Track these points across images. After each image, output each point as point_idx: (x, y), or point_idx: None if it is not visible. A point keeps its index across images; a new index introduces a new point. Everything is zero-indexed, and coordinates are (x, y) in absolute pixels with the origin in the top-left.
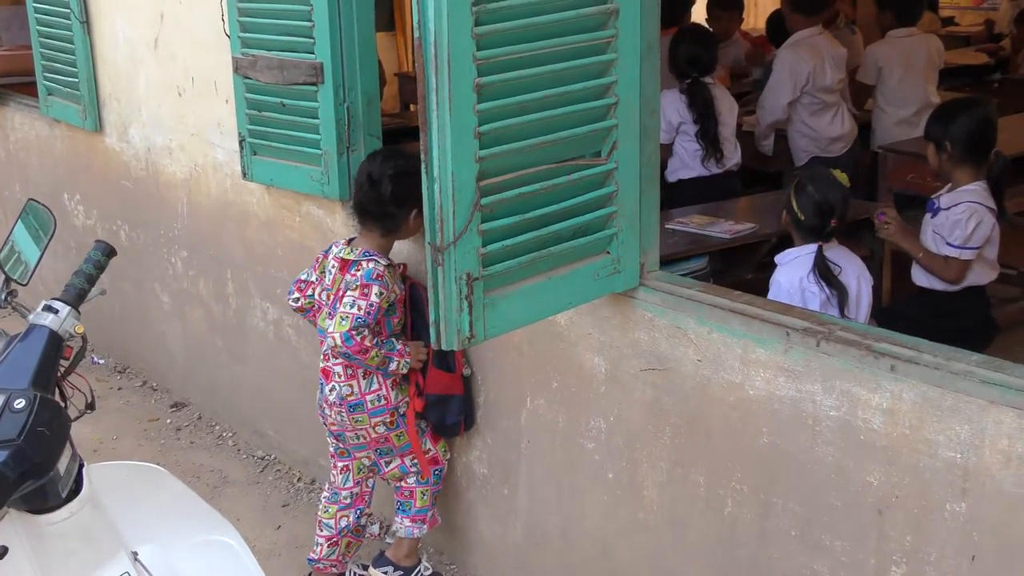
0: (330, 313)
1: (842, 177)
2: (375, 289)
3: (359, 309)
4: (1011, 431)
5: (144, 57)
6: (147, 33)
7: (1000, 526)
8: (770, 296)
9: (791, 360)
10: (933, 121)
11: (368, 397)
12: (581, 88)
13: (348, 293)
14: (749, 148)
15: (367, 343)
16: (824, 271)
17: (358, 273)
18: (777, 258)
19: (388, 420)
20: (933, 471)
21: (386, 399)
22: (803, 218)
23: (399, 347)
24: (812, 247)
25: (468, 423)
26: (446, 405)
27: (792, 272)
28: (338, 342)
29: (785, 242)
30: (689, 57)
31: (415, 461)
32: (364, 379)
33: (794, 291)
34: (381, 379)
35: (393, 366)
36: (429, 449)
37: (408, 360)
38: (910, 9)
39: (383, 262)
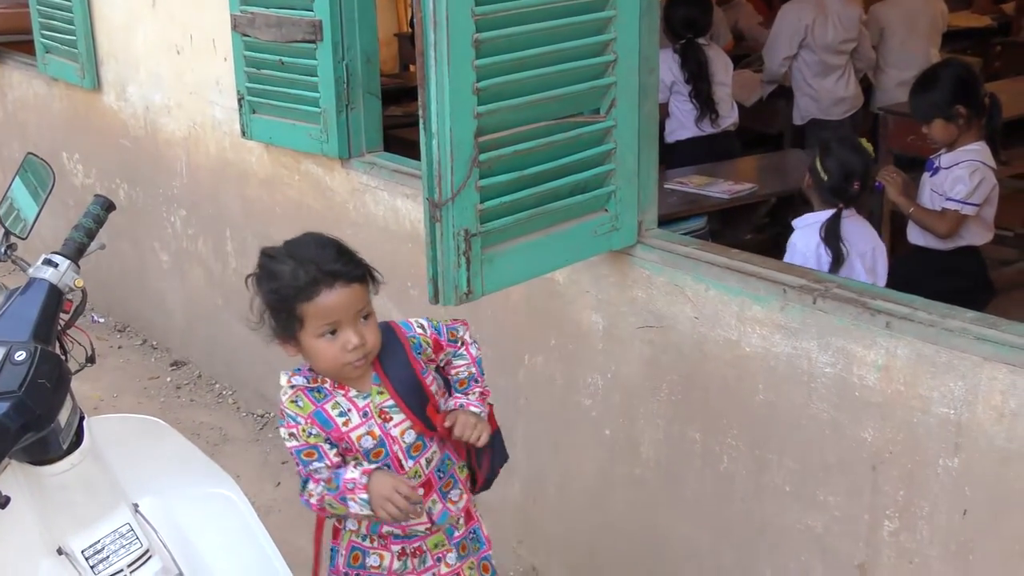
0: None
1: (868, 146)
2: (282, 434)
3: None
4: (1004, 387)
5: (142, 15)
6: None
7: (992, 481)
8: (785, 259)
9: (787, 317)
10: (923, 95)
11: None
12: (580, 45)
13: None
14: (750, 110)
15: (313, 499)
16: (832, 233)
17: None
18: (795, 222)
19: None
20: (927, 427)
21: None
22: (826, 179)
23: (348, 476)
24: (829, 212)
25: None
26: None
27: (809, 237)
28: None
29: (784, 203)
30: (684, 19)
31: None
32: None
33: (810, 255)
34: None
35: (353, 508)
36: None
37: (362, 497)
38: None
39: (287, 385)
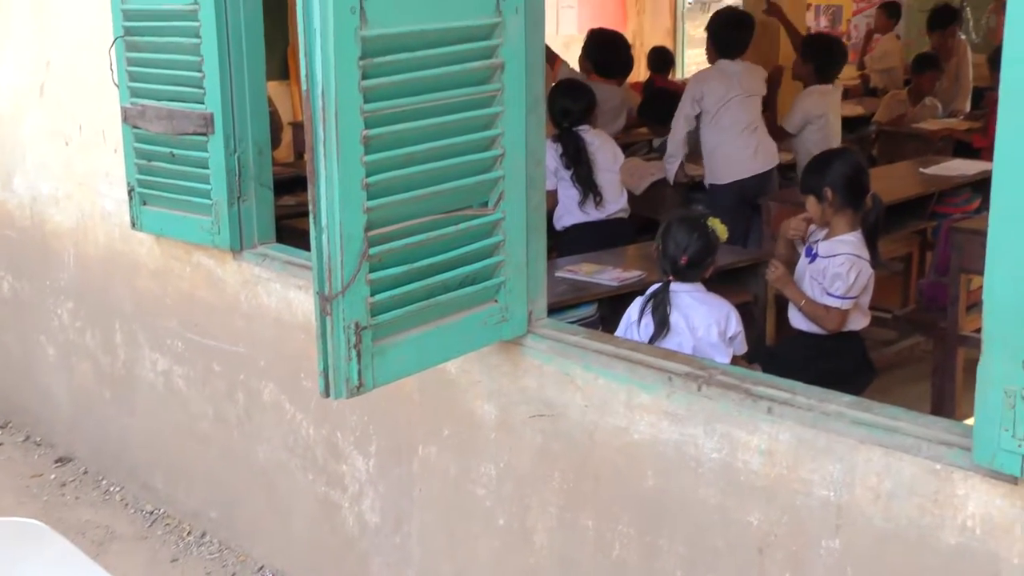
0: None
1: (718, 226)
2: None
3: None
4: (879, 468)
5: (29, 104)
6: (32, 80)
7: (871, 560)
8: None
9: (674, 404)
10: (809, 173)
11: None
12: (468, 140)
13: None
14: (645, 198)
15: None
16: (659, 302)
17: None
18: None
19: None
20: (809, 509)
21: None
22: (658, 253)
23: None
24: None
25: None
26: None
27: (633, 307)
28: None
29: None
30: (561, 109)
31: None
32: None
33: (630, 325)
34: None
35: None
36: None
37: None
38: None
39: None
